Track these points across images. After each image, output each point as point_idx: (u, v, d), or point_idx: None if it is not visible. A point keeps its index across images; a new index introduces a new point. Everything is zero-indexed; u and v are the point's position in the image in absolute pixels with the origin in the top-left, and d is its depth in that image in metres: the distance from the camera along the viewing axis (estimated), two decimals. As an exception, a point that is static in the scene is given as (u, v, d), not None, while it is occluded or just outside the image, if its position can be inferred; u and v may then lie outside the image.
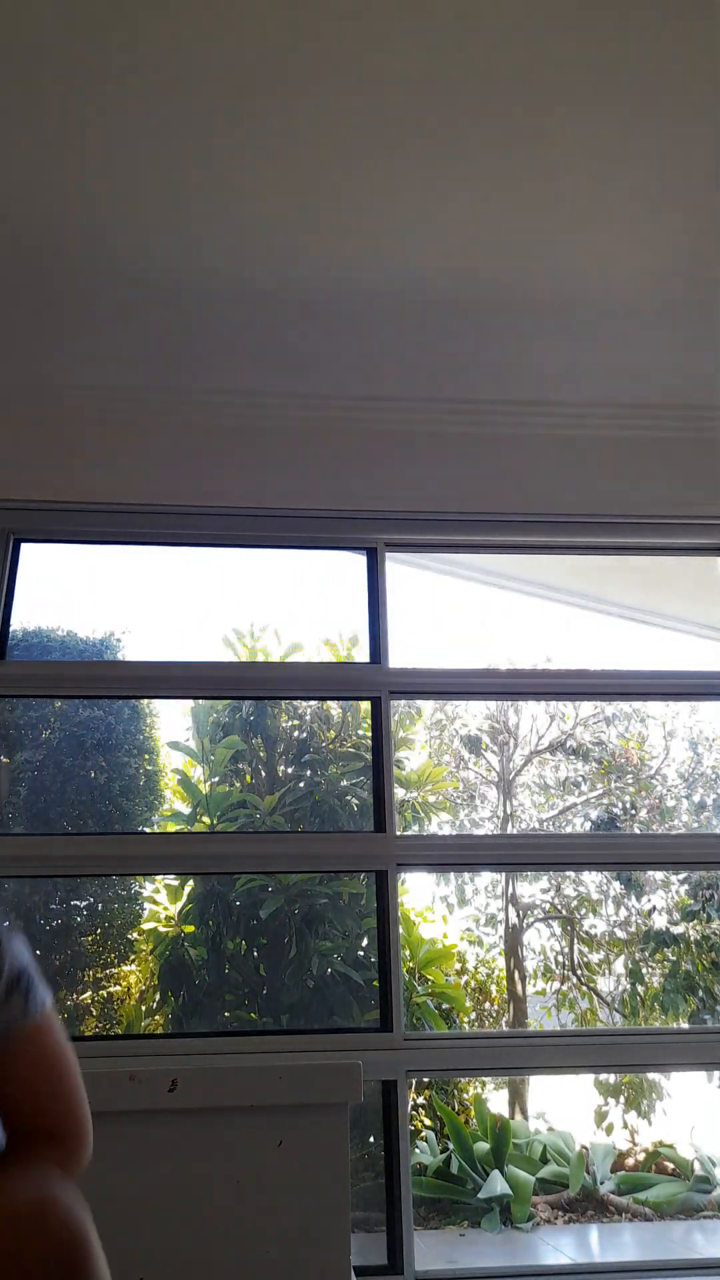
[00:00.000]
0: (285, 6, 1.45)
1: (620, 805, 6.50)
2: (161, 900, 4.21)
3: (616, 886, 6.35)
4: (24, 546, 2.42)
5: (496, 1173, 4.37)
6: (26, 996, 0.95)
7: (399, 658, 2.36)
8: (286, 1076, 1.36)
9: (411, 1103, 4.94)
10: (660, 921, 6.11)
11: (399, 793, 5.66)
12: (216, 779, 4.60)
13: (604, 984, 6.33)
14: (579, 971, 6.35)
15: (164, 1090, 1.33)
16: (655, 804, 6.46)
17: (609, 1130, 5.09)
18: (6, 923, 1.03)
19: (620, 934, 6.40)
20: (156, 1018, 4.06)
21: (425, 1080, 5.00)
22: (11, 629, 2.35)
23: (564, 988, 6.28)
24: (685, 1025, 5.29)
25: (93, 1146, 1.01)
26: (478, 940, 6.55)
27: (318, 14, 1.46)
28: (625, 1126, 5.14)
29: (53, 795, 3.91)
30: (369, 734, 2.41)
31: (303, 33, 1.49)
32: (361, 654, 2.45)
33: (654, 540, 2.54)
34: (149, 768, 4.33)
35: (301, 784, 4.64)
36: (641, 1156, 4.83)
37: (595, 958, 6.40)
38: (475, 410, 2.46)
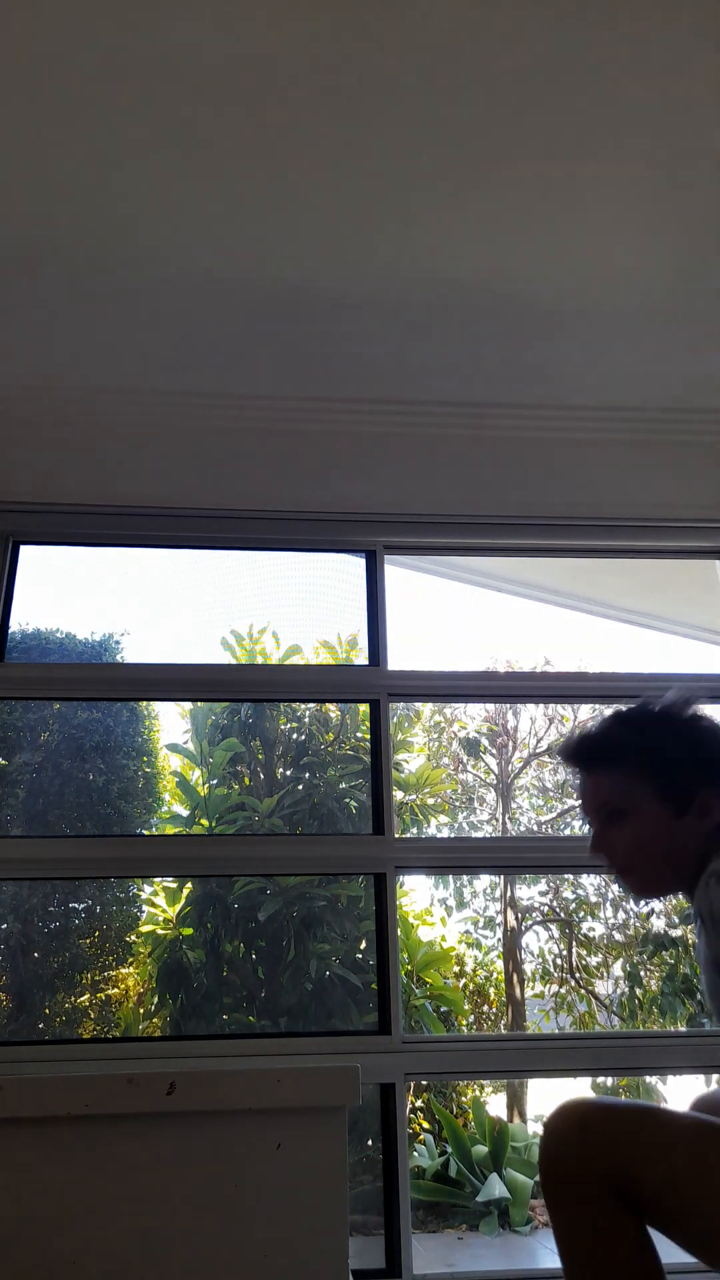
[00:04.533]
0: (286, 11, 1.45)
1: (619, 808, 6.48)
2: (160, 903, 4.21)
3: (615, 889, 6.36)
4: (23, 549, 2.42)
5: (495, 1176, 4.37)
6: None
7: (398, 660, 2.36)
8: (285, 1080, 1.35)
9: (410, 1106, 4.93)
10: (659, 924, 6.12)
11: (398, 795, 5.65)
12: (215, 781, 4.60)
13: (602, 987, 6.33)
14: (577, 974, 6.35)
15: (162, 1093, 1.32)
16: (654, 807, 6.44)
17: (607, 1134, 5.07)
18: None
19: (618, 937, 6.41)
20: (155, 1020, 4.06)
21: (424, 1083, 5.00)
22: (10, 631, 2.35)
23: (562, 990, 6.28)
24: (683, 1028, 5.29)
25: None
26: (476, 943, 6.56)
27: (314, 17, 1.46)
28: (623, 1130, 5.12)
29: (51, 797, 3.91)
30: (368, 736, 2.41)
31: (304, 34, 1.49)
32: (360, 656, 2.45)
33: (653, 543, 2.54)
34: (147, 770, 4.33)
35: (300, 786, 4.64)
36: (640, 1160, 4.81)
37: (594, 960, 6.41)
38: (475, 413, 2.46)
